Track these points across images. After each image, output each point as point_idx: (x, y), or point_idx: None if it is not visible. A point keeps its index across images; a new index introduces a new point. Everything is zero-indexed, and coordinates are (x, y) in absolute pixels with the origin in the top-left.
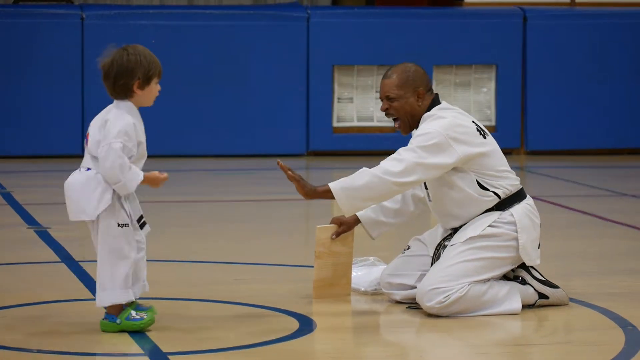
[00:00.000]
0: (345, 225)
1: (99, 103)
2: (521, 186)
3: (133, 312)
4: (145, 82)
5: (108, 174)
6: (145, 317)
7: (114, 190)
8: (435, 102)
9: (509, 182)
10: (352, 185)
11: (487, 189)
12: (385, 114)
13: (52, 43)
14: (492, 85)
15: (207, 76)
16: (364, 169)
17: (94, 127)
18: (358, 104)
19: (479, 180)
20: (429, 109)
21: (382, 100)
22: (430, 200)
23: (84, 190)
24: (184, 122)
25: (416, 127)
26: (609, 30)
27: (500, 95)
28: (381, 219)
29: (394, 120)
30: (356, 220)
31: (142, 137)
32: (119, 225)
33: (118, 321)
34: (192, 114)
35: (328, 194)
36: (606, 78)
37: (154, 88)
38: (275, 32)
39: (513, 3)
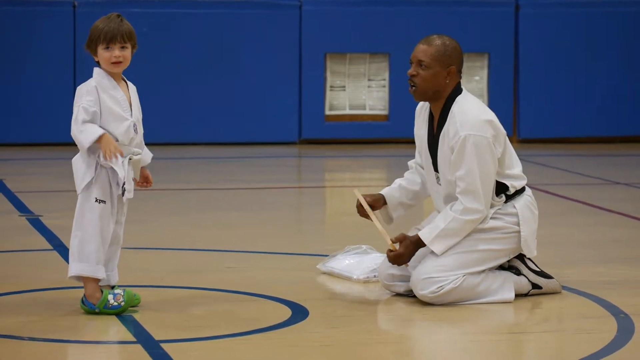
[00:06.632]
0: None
1: None
2: (525, 182)
3: (111, 300)
4: (93, 49)
5: (73, 134)
6: (122, 303)
7: (97, 165)
8: (459, 87)
9: (519, 182)
10: (447, 234)
11: (500, 193)
12: (409, 79)
13: (44, 31)
14: (485, 73)
15: (200, 64)
16: (453, 215)
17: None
18: (350, 92)
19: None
20: (452, 93)
21: (411, 64)
22: (439, 184)
23: (74, 166)
24: (176, 110)
25: (433, 100)
26: (601, 19)
27: (493, 84)
28: (404, 201)
29: (413, 85)
30: (383, 199)
31: (116, 107)
32: (96, 200)
33: (97, 310)
34: (184, 102)
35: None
36: (598, 66)
37: (101, 54)
38: (268, 20)
39: None
